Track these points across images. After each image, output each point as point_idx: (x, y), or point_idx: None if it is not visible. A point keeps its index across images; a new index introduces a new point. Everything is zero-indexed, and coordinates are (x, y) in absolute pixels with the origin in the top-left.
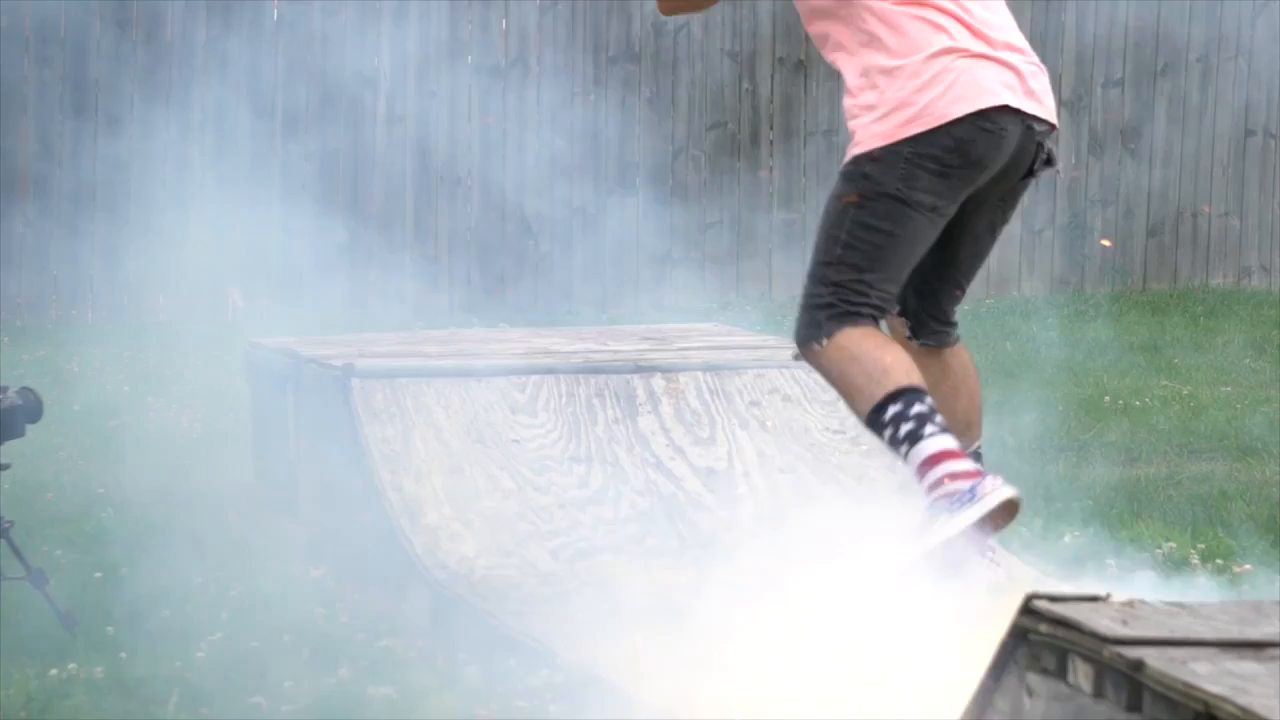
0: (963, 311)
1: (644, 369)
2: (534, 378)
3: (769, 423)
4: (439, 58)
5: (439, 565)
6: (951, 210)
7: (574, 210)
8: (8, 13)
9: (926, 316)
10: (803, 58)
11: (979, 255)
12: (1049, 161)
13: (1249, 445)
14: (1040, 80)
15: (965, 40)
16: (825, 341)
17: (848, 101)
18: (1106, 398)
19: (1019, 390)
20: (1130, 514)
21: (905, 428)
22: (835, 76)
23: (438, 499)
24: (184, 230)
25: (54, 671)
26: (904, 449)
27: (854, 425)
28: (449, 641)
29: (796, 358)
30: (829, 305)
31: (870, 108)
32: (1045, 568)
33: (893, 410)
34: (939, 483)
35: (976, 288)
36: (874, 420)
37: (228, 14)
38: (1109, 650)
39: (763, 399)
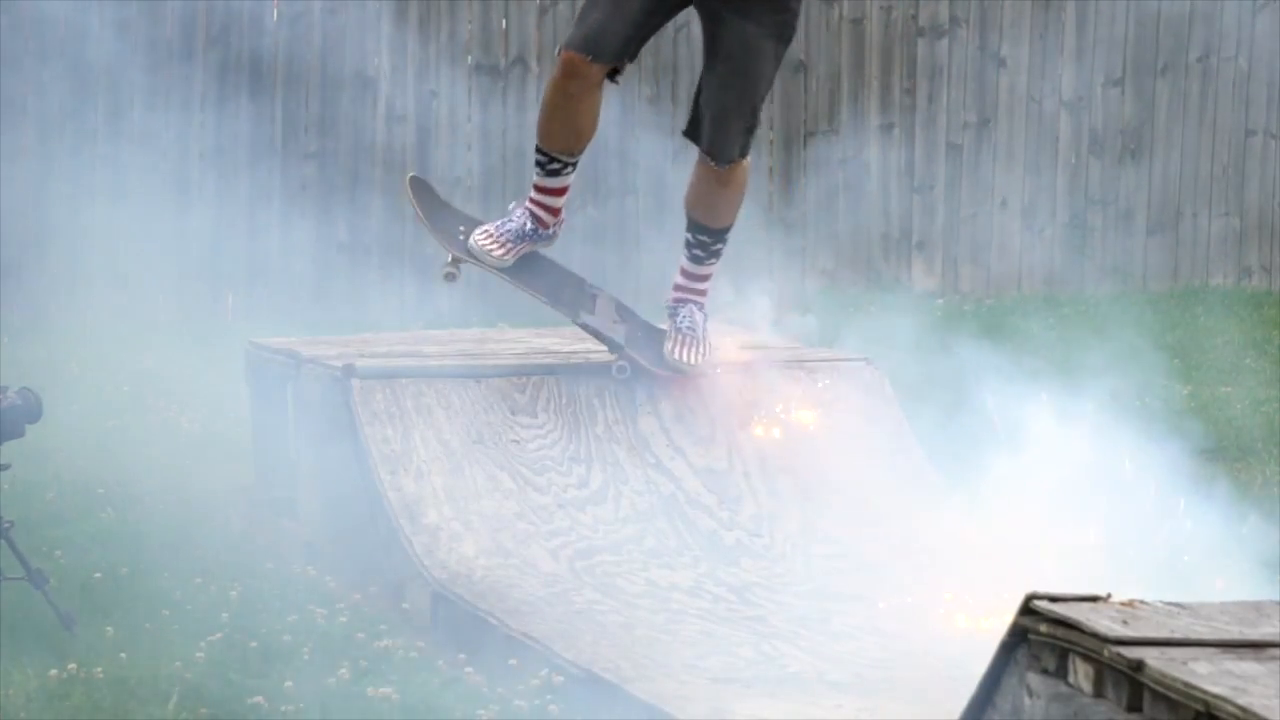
0: (963, 310)
1: (644, 369)
2: (534, 378)
3: (769, 423)
4: (439, 58)
5: (439, 565)
6: None
7: (574, 210)
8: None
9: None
10: (803, 58)
11: None
12: None
13: (1249, 445)
14: None
15: None
16: (747, 159)
17: None
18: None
19: (1018, 390)
20: None
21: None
22: (835, 76)
23: (438, 499)
24: (185, 230)
25: (54, 671)
26: (703, 256)
27: (854, 426)
28: (449, 641)
29: (723, 165)
30: (754, 131)
31: None
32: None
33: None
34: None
35: (977, 287)
36: (725, 232)
37: (227, 13)
38: (1109, 650)
39: (762, 399)
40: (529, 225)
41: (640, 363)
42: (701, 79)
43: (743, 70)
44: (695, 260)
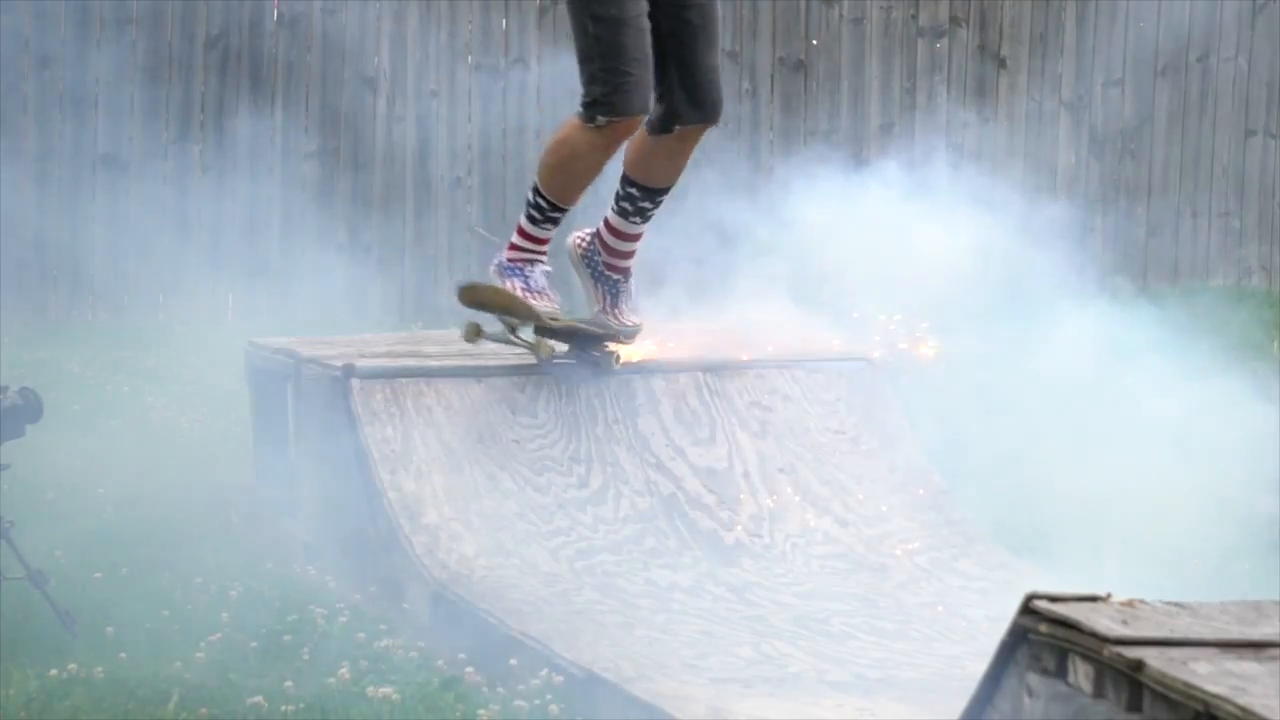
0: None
1: (644, 369)
2: (534, 378)
3: (769, 423)
4: (439, 58)
5: (439, 565)
6: None
7: (574, 210)
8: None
9: None
10: (802, 57)
11: None
12: None
13: None
14: None
15: None
16: None
17: None
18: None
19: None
20: None
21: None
22: (835, 76)
23: (438, 499)
24: (184, 230)
25: (54, 671)
26: (652, 213)
27: (854, 426)
28: (449, 641)
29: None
30: None
31: None
32: None
33: None
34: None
35: None
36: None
37: (227, 13)
38: (1109, 650)
39: (763, 399)
40: (537, 269)
41: (621, 340)
42: (674, 60)
43: (712, 22)
44: (645, 220)
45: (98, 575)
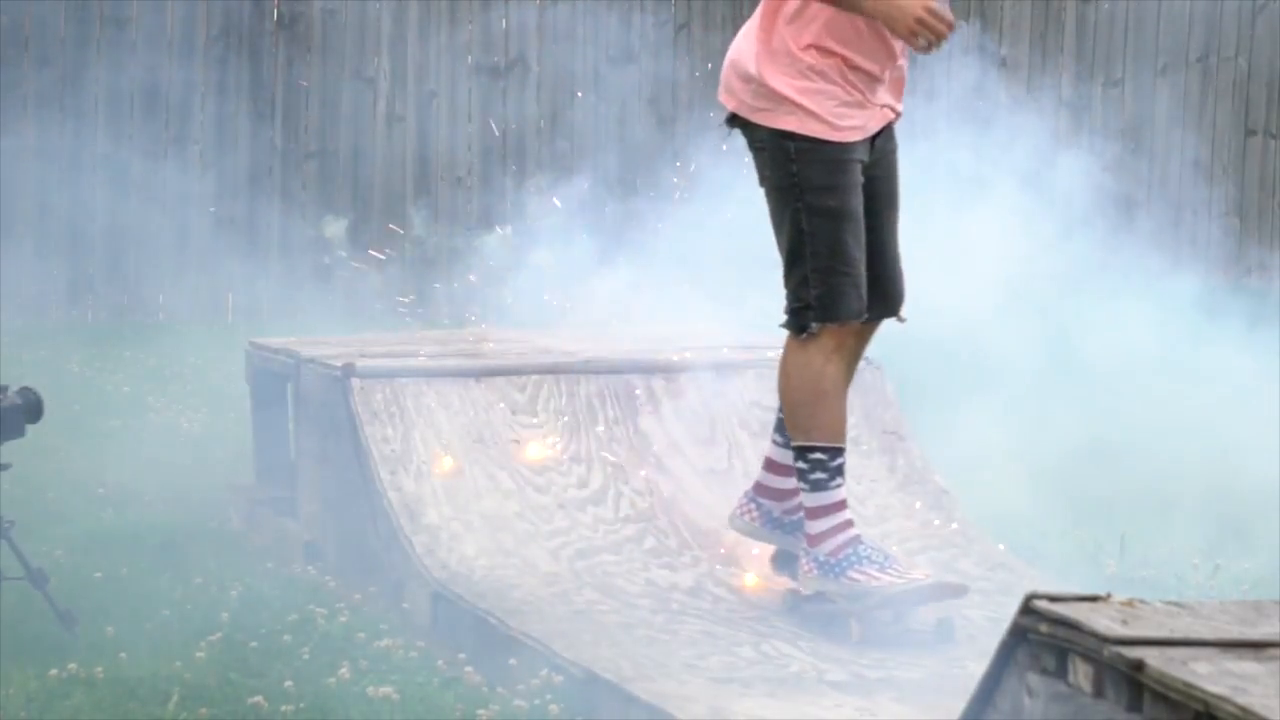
0: None
1: (644, 369)
2: (534, 378)
3: (769, 423)
4: (439, 58)
5: (439, 565)
6: None
7: (575, 209)
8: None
9: None
10: None
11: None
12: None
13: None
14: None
15: None
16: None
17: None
18: None
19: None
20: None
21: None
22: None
23: (438, 499)
24: (184, 229)
25: (54, 671)
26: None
27: (854, 426)
28: (449, 641)
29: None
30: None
31: None
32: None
33: None
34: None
35: None
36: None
37: (227, 13)
38: (1109, 650)
39: (763, 399)
40: (861, 544)
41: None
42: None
43: (897, 188)
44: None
45: (98, 575)
